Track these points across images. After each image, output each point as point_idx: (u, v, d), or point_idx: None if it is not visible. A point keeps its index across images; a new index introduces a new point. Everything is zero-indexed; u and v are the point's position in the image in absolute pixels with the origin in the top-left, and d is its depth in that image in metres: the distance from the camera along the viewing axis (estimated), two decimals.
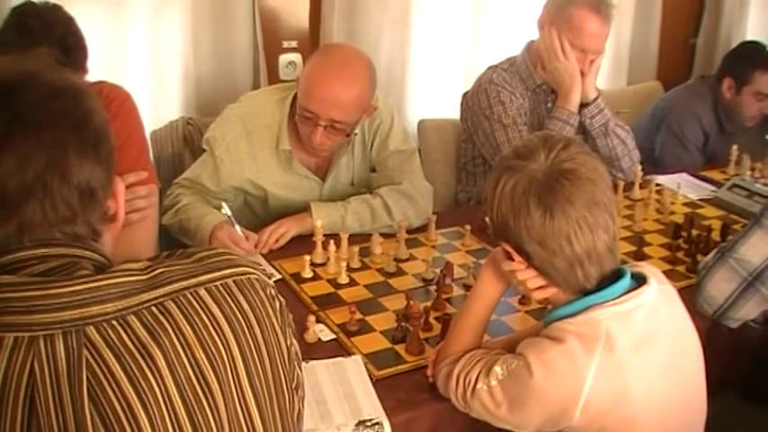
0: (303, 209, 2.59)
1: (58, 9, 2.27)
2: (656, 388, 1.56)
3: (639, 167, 3.11)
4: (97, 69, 2.42)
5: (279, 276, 2.33)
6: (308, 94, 2.45)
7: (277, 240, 2.49)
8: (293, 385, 1.24)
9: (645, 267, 1.69)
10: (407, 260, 2.47)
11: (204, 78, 3.49)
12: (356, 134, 2.66)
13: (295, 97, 2.57)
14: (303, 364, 1.40)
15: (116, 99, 2.33)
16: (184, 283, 1.12)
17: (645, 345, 1.56)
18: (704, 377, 1.71)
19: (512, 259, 1.64)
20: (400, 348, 2.01)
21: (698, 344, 1.70)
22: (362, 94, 2.50)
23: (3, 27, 2.20)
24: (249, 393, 1.14)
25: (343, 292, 2.28)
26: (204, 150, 2.66)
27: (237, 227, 2.43)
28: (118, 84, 2.42)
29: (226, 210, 2.43)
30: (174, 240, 2.56)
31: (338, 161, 2.70)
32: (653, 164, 3.55)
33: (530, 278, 1.64)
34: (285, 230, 2.51)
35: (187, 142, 3.15)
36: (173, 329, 1.08)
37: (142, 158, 2.36)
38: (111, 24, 3.21)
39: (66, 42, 2.18)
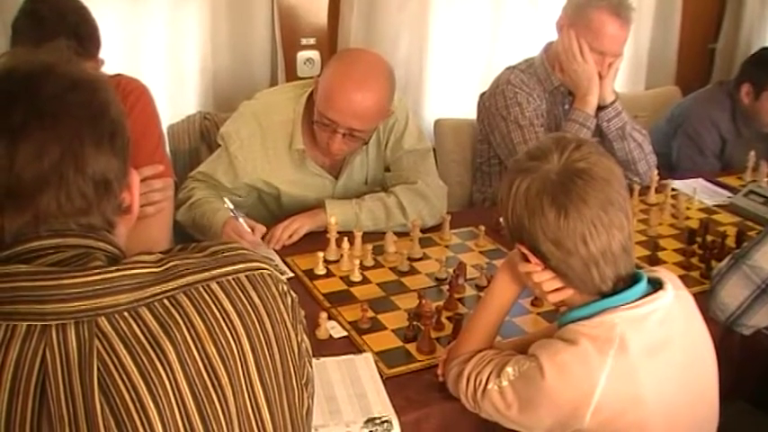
0: (317, 206, 2.59)
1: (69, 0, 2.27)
2: (668, 393, 1.56)
3: (656, 172, 3.10)
4: (115, 63, 2.43)
5: (291, 274, 2.33)
6: (328, 103, 2.45)
7: (290, 236, 2.49)
8: (303, 381, 1.24)
9: (662, 272, 1.69)
10: (421, 259, 2.47)
11: (222, 73, 3.50)
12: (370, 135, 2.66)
13: (310, 96, 2.58)
14: (314, 360, 1.40)
15: (133, 92, 2.34)
16: (197, 277, 1.12)
17: (658, 350, 1.56)
18: (717, 384, 1.70)
19: (528, 261, 1.64)
20: (411, 347, 2.01)
21: (712, 350, 1.70)
22: (382, 104, 2.50)
23: (17, 15, 2.21)
24: (259, 388, 1.14)
25: (355, 290, 2.28)
26: (220, 145, 2.67)
27: (242, 219, 2.43)
28: (135, 77, 2.43)
29: (228, 204, 2.44)
30: (188, 234, 2.57)
31: (352, 160, 2.70)
32: (669, 168, 3.53)
33: (546, 280, 1.64)
34: (298, 226, 2.51)
35: (204, 137, 3.16)
36: (184, 323, 1.08)
37: (158, 152, 2.37)
38: (130, 18, 3.23)
39: (79, 32, 2.17)
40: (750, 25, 4.72)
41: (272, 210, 2.78)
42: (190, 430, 1.07)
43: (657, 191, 3.05)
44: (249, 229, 2.41)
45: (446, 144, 3.46)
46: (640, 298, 1.58)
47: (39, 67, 1.13)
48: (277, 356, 1.18)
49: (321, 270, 2.35)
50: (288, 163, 2.65)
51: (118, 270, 1.07)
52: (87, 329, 1.04)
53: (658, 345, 1.56)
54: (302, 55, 3.67)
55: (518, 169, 1.61)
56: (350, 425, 1.72)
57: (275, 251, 2.45)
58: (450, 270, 2.31)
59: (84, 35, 2.20)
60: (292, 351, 1.22)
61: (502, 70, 3.17)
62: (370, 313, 2.12)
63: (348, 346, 2.01)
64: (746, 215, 2.94)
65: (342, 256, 2.39)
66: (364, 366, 1.92)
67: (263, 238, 2.45)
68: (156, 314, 1.08)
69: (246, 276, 1.18)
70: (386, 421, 1.74)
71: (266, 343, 1.16)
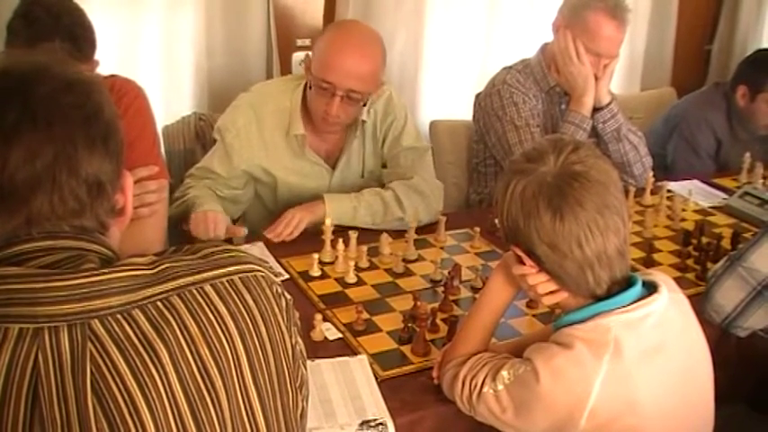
0: (313, 198, 2.59)
1: (65, 3, 2.26)
2: (663, 397, 1.55)
3: (651, 173, 3.10)
4: (110, 64, 2.42)
5: (286, 276, 2.32)
6: (327, 65, 2.47)
7: (291, 232, 2.49)
8: (297, 384, 1.24)
9: (657, 275, 1.68)
10: (416, 261, 2.47)
11: (217, 75, 3.50)
12: (365, 121, 2.66)
13: (305, 87, 2.59)
14: (309, 362, 1.40)
15: (128, 93, 2.33)
16: (190, 279, 1.12)
17: (654, 353, 1.55)
18: (713, 387, 1.70)
19: (523, 263, 1.64)
20: (406, 349, 2.00)
21: (707, 354, 1.69)
22: (378, 67, 2.55)
23: (12, 17, 2.19)
24: (252, 390, 1.14)
25: (350, 292, 2.27)
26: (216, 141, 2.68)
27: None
28: (130, 78, 2.42)
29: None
30: (183, 235, 2.56)
31: (349, 148, 2.71)
32: (665, 170, 3.53)
33: (540, 283, 1.63)
34: (298, 221, 2.50)
35: (199, 138, 3.16)
36: (177, 325, 1.08)
37: (153, 153, 2.36)
38: (125, 19, 3.22)
39: (74, 34, 2.16)
40: (746, 27, 4.73)
41: (267, 204, 2.76)
42: None
43: (653, 192, 3.05)
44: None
45: (442, 145, 3.46)
46: (635, 301, 1.57)
47: (32, 68, 1.13)
48: (271, 359, 1.17)
49: (316, 272, 2.34)
50: (285, 150, 2.65)
51: (110, 272, 1.07)
52: (80, 332, 1.03)
53: (653, 348, 1.55)
54: (297, 56, 3.66)
55: (514, 171, 1.60)
56: (344, 427, 1.71)
57: (270, 252, 2.45)
58: (446, 272, 2.30)
59: (79, 37, 2.18)
60: (286, 353, 1.21)
61: (498, 70, 3.17)
62: (365, 315, 2.11)
63: (343, 348, 2.01)
64: (742, 217, 2.94)
65: (337, 257, 2.38)
66: (359, 368, 1.91)
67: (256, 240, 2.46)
68: (150, 316, 1.07)
69: (240, 278, 1.18)
70: (380, 423, 1.73)
71: (260, 345, 1.16)
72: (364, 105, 2.61)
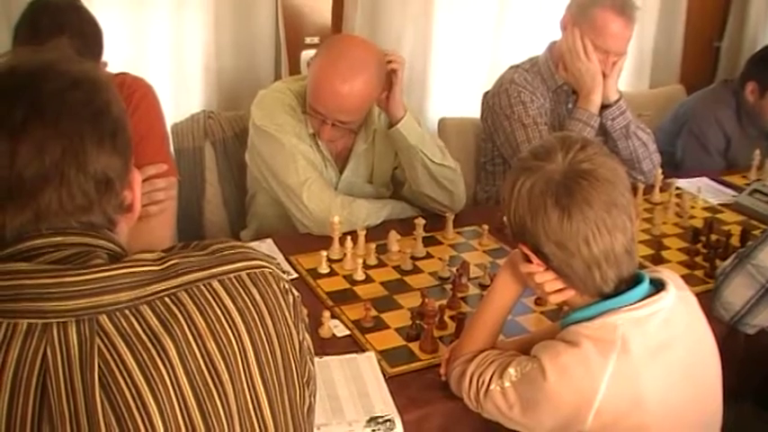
0: None
1: (72, 9, 2.21)
2: (671, 395, 1.55)
3: (660, 171, 3.09)
4: (120, 62, 2.42)
5: (295, 275, 2.32)
6: (315, 97, 2.49)
7: None
8: (304, 379, 1.24)
9: (664, 273, 1.68)
10: (424, 258, 2.47)
11: (226, 72, 3.50)
12: (375, 129, 2.66)
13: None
14: (317, 359, 1.40)
15: (138, 90, 2.33)
16: (198, 275, 1.12)
17: (661, 351, 1.55)
18: (720, 384, 1.69)
19: (530, 261, 1.64)
20: (414, 346, 2.01)
21: (716, 351, 1.69)
22: (369, 95, 2.52)
23: (19, 20, 2.17)
24: (260, 386, 1.14)
25: (358, 289, 2.28)
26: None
27: None
28: (140, 76, 2.42)
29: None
30: (193, 233, 2.57)
31: (357, 153, 2.71)
32: (674, 167, 3.52)
33: (548, 281, 1.63)
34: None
35: (208, 136, 3.15)
36: (185, 320, 1.08)
37: (162, 151, 2.36)
38: (134, 17, 3.22)
39: (75, 44, 2.13)
40: (755, 23, 4.70)
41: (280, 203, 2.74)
42: (190, 426, 1.07)
43: (662, 190, 3.04)
44: None
45: (450, 143, 3.44)
46: (642, 299, 1.57)
47: (40, 66, 1.14)
48: (278, 353, 1.18)
49: (324, 269, 2.35)
50: (307, 142, 2.63)
51: (119, 268, 1.07)
52: (88, 327, 1.04)
53: (660, 346, 1.55)
54: (306, 54, 3.65)
55: (522, 168, 1.60)
56: (352, 424, 1.72)
57: (278, 249, 2.44)
58: (454, 269, 2.31)
59: (81, 48, 2.15)
60: (293, 348, 1.22)
61: (506, 69, 3.17)
62: (373, 312, 2.12)
63: (351, 345, 2.01)
64: (751, 214, 2.93)
65: (345, 254, 2.38)
66: (367, 365, 1.91)
67: None
68: (158, 312, 1.08)
69: (248, 274, 1.18)
70: (388, 420, 1.74)
71: (267, 340, 1.16)
72: (355, 133, 2.64)
